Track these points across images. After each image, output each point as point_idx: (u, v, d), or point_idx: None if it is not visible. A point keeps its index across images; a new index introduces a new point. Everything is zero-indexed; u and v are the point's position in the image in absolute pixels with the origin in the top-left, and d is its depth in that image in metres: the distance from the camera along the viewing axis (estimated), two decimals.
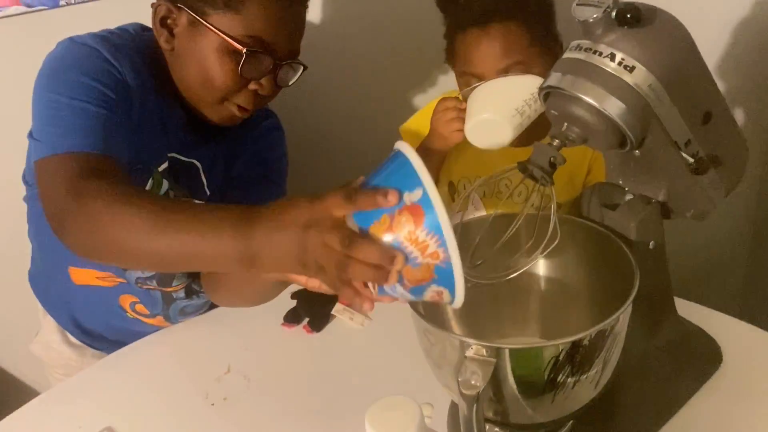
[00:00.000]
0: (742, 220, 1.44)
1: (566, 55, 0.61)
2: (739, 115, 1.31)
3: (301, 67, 0.90)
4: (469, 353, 0.56)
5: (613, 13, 0.57)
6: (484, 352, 0.56)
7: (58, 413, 0.84)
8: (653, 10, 0.59)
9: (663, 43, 0.59)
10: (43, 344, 1.08)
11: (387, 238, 0.51)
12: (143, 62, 0.86)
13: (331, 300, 0.95)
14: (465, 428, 0.56)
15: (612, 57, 0.57)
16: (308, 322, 0.94)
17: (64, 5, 1.10)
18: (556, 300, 0.72)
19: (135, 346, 0.94)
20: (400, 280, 0.52)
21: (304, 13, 0.89)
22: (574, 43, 0.61)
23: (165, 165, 0.90)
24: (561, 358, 0.56)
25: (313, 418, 0.78)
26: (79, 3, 1.11)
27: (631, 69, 0.57)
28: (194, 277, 0.98)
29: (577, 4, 0.59)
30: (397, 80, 1.35)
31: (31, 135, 0.82)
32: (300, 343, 0.92)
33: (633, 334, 0.69)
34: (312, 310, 0.94)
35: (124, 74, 0.82)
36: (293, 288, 0.97)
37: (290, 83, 0.90)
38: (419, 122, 1.11)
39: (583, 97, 0.59)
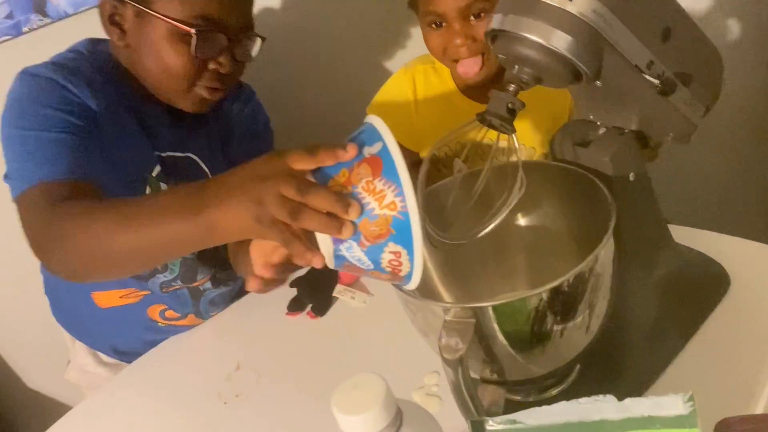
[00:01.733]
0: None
1: None
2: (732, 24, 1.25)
3: (259, 39, 0.89)
4: (448, 317, 0.55)
5: None
6: (462, 313, 0.55)
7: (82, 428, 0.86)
8: None
9: None
10: (77, 370, 1.10)
11: (344, 190, 0.51)
12: (104, 77, 0.86)
13: (331, 283, 0.94)
14: (455, 394, 0.55)
15: None
16: (312, 308, 0.93)
17: (27, 31, 1.11)
18: (543, 250, 0.70)
19: (146, 359, 0.95)
20: (357, 237, 0.51)
21: None
22: None
23: (158, 168, 0.90)
24: (541, 308, 0.54)
25: (325, 402, 0.77)
26: (41, 27, 1.11)
27: None
28: (219, 266, 0.99)
29: None
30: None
31: (6, 177, 0.81)
32: (306, 330, 0.91)
33: (629, 270, 0.66)
34: (314, 296, 0.94)
35: (83, 97, 0.82)
36: (292, 277, 0.97)
37: (251, 57, 0.89)
38: (384, 98, 1.10)
39: (527, 35, 0.56)
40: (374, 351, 0.83)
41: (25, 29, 1.10)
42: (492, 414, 0.61)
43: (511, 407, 0.67)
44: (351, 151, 0.50)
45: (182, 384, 0.89)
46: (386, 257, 0.51)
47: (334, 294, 0.93)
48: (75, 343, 1.09)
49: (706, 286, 0.74)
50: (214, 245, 0.59)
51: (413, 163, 1.09)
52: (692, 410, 0.43)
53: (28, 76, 0.82)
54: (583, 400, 0.45)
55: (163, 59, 0.83)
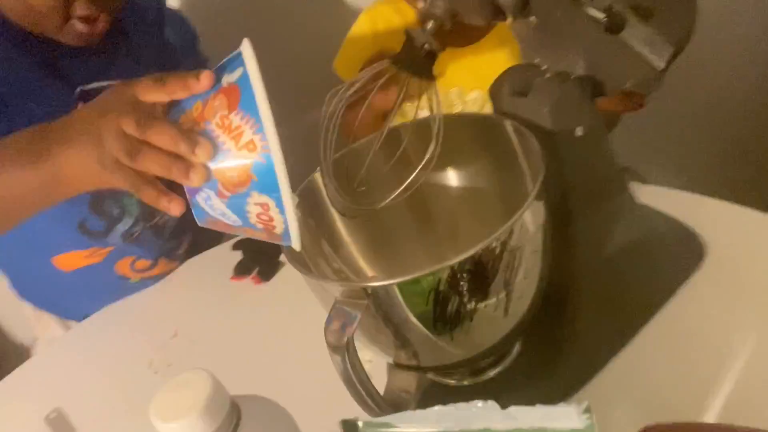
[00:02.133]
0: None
1: None
2: None
3: None
4: (338, 296, 0.47)
5: None
6: (353, 293, 0.47)
7: (8, 402, 0.82)
8: None
9: None
10: (47, 344, 1.05)
11: (196, 127, 0.42)
12: None
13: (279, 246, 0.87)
14: (345, 384, 0.48)
15: None
16: (257, 272, 0.86)
17: None
18: (472, 217, 0.61)
19: (84, 325, 0.91)
20: (213, 185, 0.43)
21: None
22: None
23: (78, 106, 0.82)
24: (441, 288, 0.46)
25: (261, 373, 0.71)
26: None
27: None
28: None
29: None
30: None
31: None
32: (249, 296, 0.85)
33: (577, 238, 0.58)
34: (259, 259, 0.87)
35: None
36: (235, 239, 0.90)
37: None
38: (347, 46, 1.02)
39: None
40: (319, 321, 0.76)
41: None
42: (399, 403, 0.54)
43: (443, 392, 0.60)
44: (205, 79, 0.42)
45: (116, 351, 0.84)
46: (253, 210, 0.43)
47: (280, 258, 0.87)
48: (42, 316, 1.04)
49: (675, 256, 0.65)
50: (64, 197, 0.51)
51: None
52: (589, 424, 0.36)
53: None
54: (462, 405, 0.37)
55: None
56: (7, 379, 0.88)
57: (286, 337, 0.76)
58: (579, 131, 0.56)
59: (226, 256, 0.90)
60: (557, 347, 0.61)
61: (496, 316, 0.50)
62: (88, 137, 0.46)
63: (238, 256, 0.89)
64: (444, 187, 0.61)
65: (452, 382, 0.61)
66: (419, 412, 0.37)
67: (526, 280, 0.50)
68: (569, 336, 0.61)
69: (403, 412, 0.38)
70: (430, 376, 0.60)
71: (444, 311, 0.47)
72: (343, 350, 0.46)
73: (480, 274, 0.46)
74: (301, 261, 0.52)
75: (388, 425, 0.39)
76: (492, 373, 0.60)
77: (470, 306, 0.47)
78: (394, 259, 0.63)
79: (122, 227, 0.91)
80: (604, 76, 0.56)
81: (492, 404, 0.37)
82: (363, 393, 0.48)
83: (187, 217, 0.88)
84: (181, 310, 0.87)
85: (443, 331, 0.49)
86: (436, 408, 0.37)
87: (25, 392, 0.83)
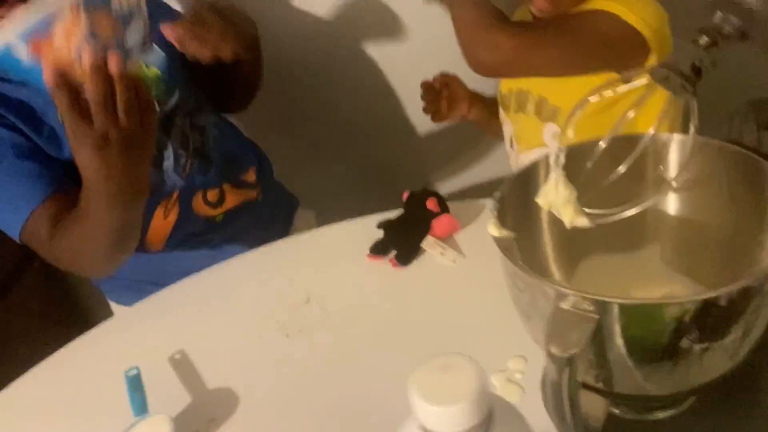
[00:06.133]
0: None
1: None
2: None
3: None
4: (565, 305, 0.45)
5: None
6: (585, 305, 0.44)
7: (132, 334, 0.83)
8: None
9: None
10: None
11: None
12: None
13: (422, 232, 0.85)
14: (553, 395, 0.45)
15: None
16: (395, 255, 0.85)
17: None
18: (690, 246, 0.58)
19: (215, 269, 0.91)
20: None
21: None
22: None
23: None
24: (687, 319, 0.43)
25: (391, 358, 0.70)
26: None
27: None
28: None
29: None
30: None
31: None
32: (385, 277, 0.83)
33: None
34: (400, 242, 0.85)
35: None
36: (380, 218, 0.89)
37: None
38: None
39: None
40: (456, 318, 0.74)
41: None
42: (590, 429, 0.51)
43: (607, 421, 0.57)
44: None
45: (247, 303, 0.84)
46: None
47: (422, 245, 0.85)
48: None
49: None
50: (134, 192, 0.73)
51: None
52: None
53: None
54: None
55: None
56: (130, 310, 0.89)
57: (419, 325, 0.75)
58: None
59: (365, 231, 0.88)
60: (734, 409, 0.57)
61: (723, 357, 0.46)
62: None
63: (378, 233, 0.87)
64: (656, 206, 0.58)
65: (617, 411, 0.58)
66: None
67: (760, 327, 0.46)
68: (749, 401, 0.58)
69: None
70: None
71: (677, 343, 0.44)
72: (566, 364, 0.43)
73: (729, 312, 0.43)
74: (512, 257, 0.50)
75: None
76: (662, 414, 0.57)
77: (706, 343, 0.44)
78: (582, 269, 0.60)
79: (168, 163, 0.94)
80: None
81: None
82: (568, 412, 0.45)
83: (217, 135, 0.96)
84: (314, 276, 0.85)
85: (663, 363, 0.46)
86: None
87: (150, 328, 0.83)
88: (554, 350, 0.43)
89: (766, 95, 0.55)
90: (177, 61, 0.97)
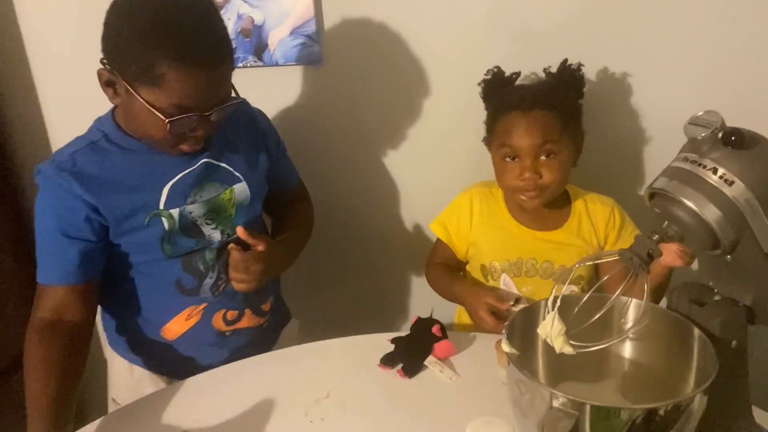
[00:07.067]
0: None
1: (673, 164, 0.71)
2: None
3: (235, 102, 1.00)
4: (556, 404, 0.65)
5: (720, 134, 0.67)
6: (569, 404, 0.65)
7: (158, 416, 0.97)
8: (757, 138, 0.68)
9: (763, 166, 0.68)
10: (136, 394, 1.10)
11: None
12: (110, 144, 1.02)
13: (426, 351, 1.05)
14: None
15: (714, 171, 0.67)
16: (402, 367, 1.03)
17: (240, 67, 1.31)
18: (637, 381, 0.79)
19: (241, 364, 1.07)
20: None
21: (226, 71, 0.97)
22: (682, 154, 0.71)
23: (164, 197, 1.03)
24: (638, 422, 0.63)
25: None
26: (253, 67, 1.32)
27: (731, 183, 0.66)
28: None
29: (689, 123, 0.69)
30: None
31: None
32: (392, 384, 1.01)
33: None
34: (407, 358, 1.04)
35: (83, 195, 0.98)
36: (381, 337, 1.08)
37: (228, 115, 1.01)
38: (448, 218, 1.28)
39: (685, 201, 0.68)
40: (451, 424, 0.92)
41: (239, 65, 1.31)
42: None
43: None
44: None
45: (273, 393, 0.99)
46: None
47: (425, 362, 1.04)
48: (133, 369, 1.17)
49: None
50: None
51: (457, 266, 1.31)
52: None
53: (41, 177, 1.00)
54: None
55: (145, 128, 0.97)
56: (157, 395, 1.03)
57: (421, 426, 0.92)
58: (734, 344, 0.75)
59: (375, 343, 1.07)
60: None
61: None
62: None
63: (389, 347, 1.06)
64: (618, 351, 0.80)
65: None
66: None
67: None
68: None
69: None
70: None
71: None
72: None
73: (665, 422, 0.64)
74: (519, 367, 0.70)
75: None
76: None
77: None
78: (561, 379, 0.80)
79: (209, 281, 1.09)
80: (760, 311, 0.76)
81: None
82: None
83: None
84: (332, 376, 1.03)
85: None
86: None
87: (174, 415, 0.97)
88: None
89: (695, 280, 0.80)
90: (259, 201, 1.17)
